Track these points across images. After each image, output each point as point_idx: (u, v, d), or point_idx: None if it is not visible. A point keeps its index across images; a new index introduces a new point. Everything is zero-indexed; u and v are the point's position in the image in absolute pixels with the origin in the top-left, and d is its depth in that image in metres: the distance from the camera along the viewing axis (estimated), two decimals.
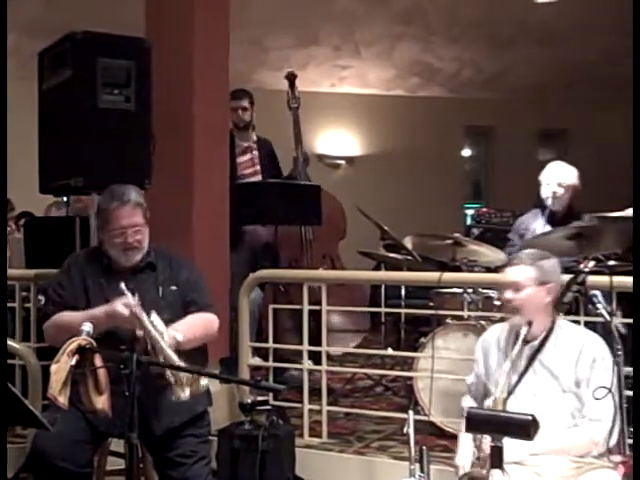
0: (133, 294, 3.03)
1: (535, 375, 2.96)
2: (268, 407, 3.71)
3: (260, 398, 3.72)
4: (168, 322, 3.06)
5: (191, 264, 3.45)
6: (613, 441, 2.86)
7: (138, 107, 3.92)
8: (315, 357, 4.42)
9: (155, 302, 3.14)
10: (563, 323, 3.06)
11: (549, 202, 5.02)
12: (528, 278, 2.97)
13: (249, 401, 3.62)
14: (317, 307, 4.36)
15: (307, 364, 4.35)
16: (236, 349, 4.40)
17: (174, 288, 3.26)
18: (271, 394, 3.95)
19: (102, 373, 2.77)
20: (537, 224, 5.10)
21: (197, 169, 4.43)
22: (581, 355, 2.91)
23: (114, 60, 3.85)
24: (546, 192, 5.02)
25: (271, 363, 4.39)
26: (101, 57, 3.80)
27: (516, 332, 3.00)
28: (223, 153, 4.67)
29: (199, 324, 3.23)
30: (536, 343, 2.98)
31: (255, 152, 5.58)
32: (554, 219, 4.97)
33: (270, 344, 4.43)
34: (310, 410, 4.26)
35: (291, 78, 5.42)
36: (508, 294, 3.01)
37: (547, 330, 2.99)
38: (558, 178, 5.04)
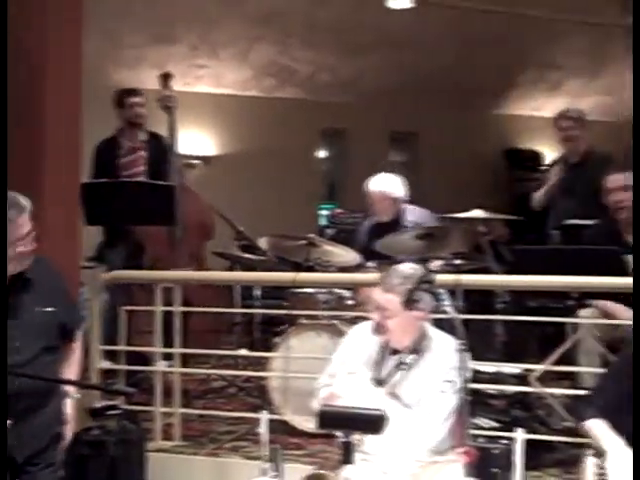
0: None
1: (404, 382, 3.02)
2: (118, 411, 3.60)
3: (110, 402, 3.61)
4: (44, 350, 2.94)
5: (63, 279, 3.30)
6: (443, 435, 2.95)
7: None
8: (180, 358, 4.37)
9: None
10: (431, 331, 3.14)
11: (375, 213, 5.22)
12: (396, 306, 3.00)
13: (98, 406, 3.51)
14: (170, 308, 4.29)
15: (160, 366, 4.28)
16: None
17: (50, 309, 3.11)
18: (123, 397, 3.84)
19: None
20: (366, 225, 5.29)
21: (48, 163, 4.27)
22: (445, 359, 3.00)
23: None
24: (372, 203, 5.21)
25: (123, 366, 4.29)
26: None
27: (385, 342, 3.06)
28: (74, 147, 4.51)
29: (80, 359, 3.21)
30: (405, 353, 3.05)
31: (143, 152, 5.44)
32: (379, 229, 5.11)
33: (122, 347, 4.33)
34: (164, 413, 4.18)
35: (166, 78, 5.33)
36: (378, 316, 3.04)
37: (416, 339, 3.06)
38: (382, 190, 5.22)
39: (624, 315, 4.18)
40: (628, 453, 2.77)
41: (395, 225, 5.18)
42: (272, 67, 9.32)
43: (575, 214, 5.39)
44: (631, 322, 4.11)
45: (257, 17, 8.52)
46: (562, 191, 5.78)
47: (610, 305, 4.22)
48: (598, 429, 2.87)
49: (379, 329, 3.04)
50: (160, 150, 5.31)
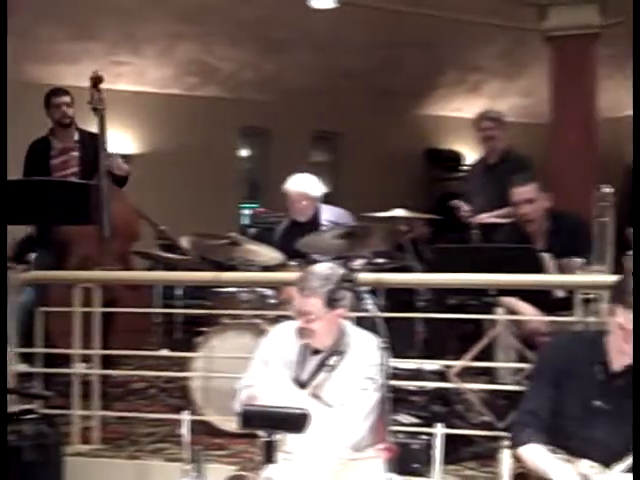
0: None
1: (326, 382, 3.03)
2: (35, 415, 3.52)
3: (26, 406, 3.53)
4: None
5: None
6: (364, 432, 2.98)
7: None
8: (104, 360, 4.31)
9: None
10: (350, 328, 3.15)
11: (292, 213, 5.23)
12: (320, 308, 2.99)
13: (13, 410, 3.42)
14: (88, 309, 4.22)
15: (78, 368, 4.20)
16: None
17: None
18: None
19: None
20: (283, 225, 5.30)
21: None
22: (366, 357, 3.01)
23: None
24: (290, 204, 5.23)
25: (39, 369, 4.19)
26: None
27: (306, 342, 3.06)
28: None
29: None
30: (326, 353, 3.05)
31: (75, 153, 5.32)
32: (296, 229, 5.14)
33: (39, 349, 4.22)
34: (83, 416, 4.10)
35: (97, 80, 5.25)
36: (301, 322, 3.03)
37: (336, 339, 3.07)
38: (300, 190, 5.24)
39: (528, 312, 4.30)
40: (569, 472, 2.78)
41: (311, 225, 5.20)
42: (194, 65, 9.23)
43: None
44: (540, 318, 4.26)
45: (179, 14, 8.43)
46: (479, 190, 5.91)
47: (514, 302, 4.32)
48: (536, 456, 2.85)
49: (304, 333, 3.03)
50: (94, 150, 5.24)
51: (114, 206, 5.00)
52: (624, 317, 2.78)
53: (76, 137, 5.36)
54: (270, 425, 2.63)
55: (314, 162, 10.18)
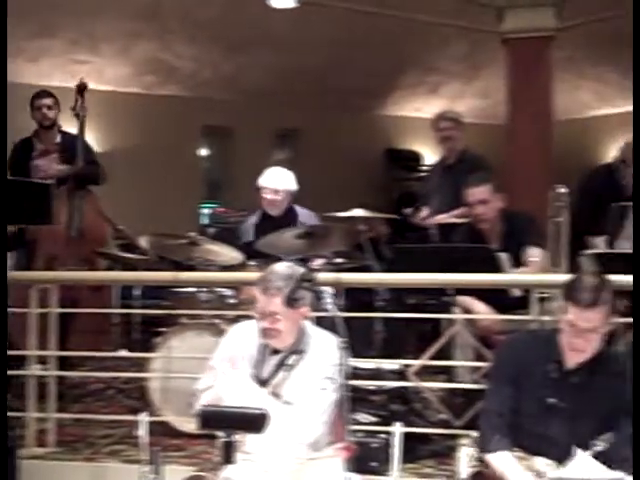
0: None
1: (286, 382, 3.03)
2: None
3: None
4: None
5: None
6: (323, 432, 2.99)
7: None
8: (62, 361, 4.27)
9: None
10: (309, 328, 3.15)
11: (267, 207, 5.23)
12: (284, 308, 2.98)
13: None
14: (45, 310, 4.17)
15: (34, 369, 4.15)
16: None
17: None
18: None
19: None
20: (252, 222, 5.30)
21: None
22: (326, 357, 3.02)
23: None
24: (264, 198, 5.22)
25: None
26: None
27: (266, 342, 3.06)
28: None
29: None
30: (286, 352, 3.05)
31: (56, 154, 5.35)
32: (269, 224, 5.14)
33: None
34: (38, 418, 4.05)
35: (82, 87, 5.29)
36: (265, 323, 3.03)
37: (296, 338, 3.07)
38: (275, 184, 5.24)
39: (481, 310, 4.35)
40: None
41: (285, 219, 5.20)
42: (153, 63, 9.17)
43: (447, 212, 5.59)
44: (496, 317, 4.31)
45: (138, 12, 8.36)
46: (438, 190, 5.98)
47: (470, 301, 4.37)
48: (503, 464, 2.87)
49: (269, 334, 3.02)
50: (75, 152, 5.28)
51: (85, 208, 5.03)
52: (574, 314, 2.82)
53: (58, 139, 5.41)
54: (229, 425, 2.63)
55: (275, 161, 10.16)
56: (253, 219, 5.35)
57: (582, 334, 2.82)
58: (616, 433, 2.85)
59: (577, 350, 2.86)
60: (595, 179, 5.80)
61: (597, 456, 2.82)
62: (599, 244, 5.07)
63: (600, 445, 2.83)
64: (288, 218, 5.20)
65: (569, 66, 8.98)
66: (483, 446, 2.95)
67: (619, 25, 7.98)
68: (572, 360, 2.92)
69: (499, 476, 2.86)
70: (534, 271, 4.30)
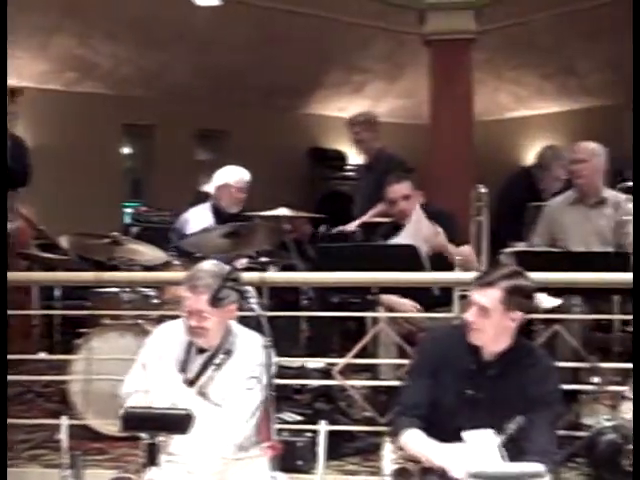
0: None
1: (212, 382, 3.01)
2: None
3: None
4: None
5: None
6: (249, 432, 2.99)
7: None
8: None
9: None
10: (235, 327, 3.14)
11: (231, 204, 5.22)
12: (208, 307, 2.96)
13: None
14: None
15: None
16: None
17: None
18: None
19: None
20: (205, 221, 5.26)
21: None
22: (251, 356, 3.01)
23: None
24: (231, 195, 5.22)
25: None
26: None
27: (191, 341, 3.04)
28: None
29: None
30: (212, 352, 3.03)
31: None
32: (225, 219, 5.14)
33: None
34: None
35: (15, 93, 5.16)
36: (193, 321, 3.00)
37: (222, 337, 3.05)
38: (244, 181, 5.25)
39: (405, 308, 4.41)
40: (447, 451, 2.85)
41: (241, 216, 5.22)
42: (72, 60, 8.99)
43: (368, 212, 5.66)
44: (419, 315, 4.38)
45: (57, 7, 8.19)
46: (360, 191, 6.07)
47: (394, 299, 4.43)
48: (415, 441, 2.90)
49: (197, 333, 3.00)
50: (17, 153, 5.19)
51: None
52: (470, 292, 2.93)
53: None
54: (153, 427, 2.60)
55: (198, 160, 10.09)
56: (205, 218, 5.29)
57: (473, 311, 2.92)
58: (530, 424, 2.93)
59: (473, 329, 2.95)
60: (514, 183, 5.95)
61: (509, 441, 2.88)
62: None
63: (511, 429, 2.89)
64: (244, 214, 5.22)
65: (489, 68, 9.17)
66: (394, 429, 2.99)
67: (536, 29, 8.20)
68: (489, 352, 2.99)
69: (414, 455, 2.89)
70: (467, 268, 4.38)
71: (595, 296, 4.29)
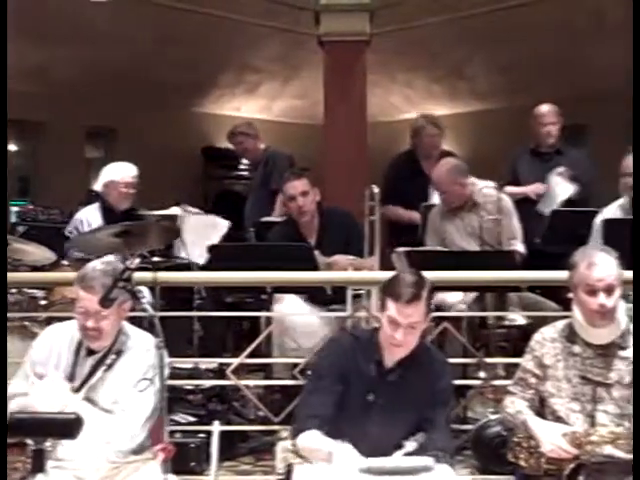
0: None
1: (102, 384, 2.94)
2: None
3: None
4: None
5: None
6: (144, 434, 2.95)
7: None
8: None
9: None
10: (127, 328, 3.07)
11: (120, 202, 5.14)
12: (106, 308, 2.90)
13: None
14: None
15: None
16: None
17: None
18: None
19: None
20: (95, 220, 5.16)
21: None
22: (143, 357, 2.96)
23: None
24: (120, 192, 5.13)
25: None
26: None
27: (79, 343, 2.96)
28: None
29: None
30: (103, 353, 2.96)
31: None
32: (116, 217, 5.05)
33: None
34: None
35: None
36: (90, 322, 2.91)
37: (114, 338, 2.99)
38: (133, 177, 5.17)
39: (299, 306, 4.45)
40: (346, 450, 2.88)
41: (130, 212, 5.19)
42: None
43: (262, 212, 5.68)
44: (311, 314, 4.42)
45: None
46: (251, 190, 6.12)
47: (288, 298, 4.45)
48: (314, 441, 2.91)
49: (92, 334, 2.93)
50: None
51: None
52: (395, 310, 2.94)
53: None
54: (39, 432, 2.53)
55: (88, 158, 9.86)
56: (93, 217, 5.18)
57: (401, 330, 2.93)
58: (430, 425, 2.99)
59: (396, 346, 2.97)
60: (397, 166, 6.03)
61: (410, 454, 2.94)
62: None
63: (412, 445, 2.95)
64: (131, 212, 5.16)
65: (382, 70, 9.31)
66: (295, 430, 3.00)
67: (428, 33, 8.38)
68: (390, 358, 3.03)
69: (312, 452, 2.90)
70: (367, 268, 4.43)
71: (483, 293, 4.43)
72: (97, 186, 5.37)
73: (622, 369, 2.97)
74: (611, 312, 2.95)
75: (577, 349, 3.02)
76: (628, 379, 2.96)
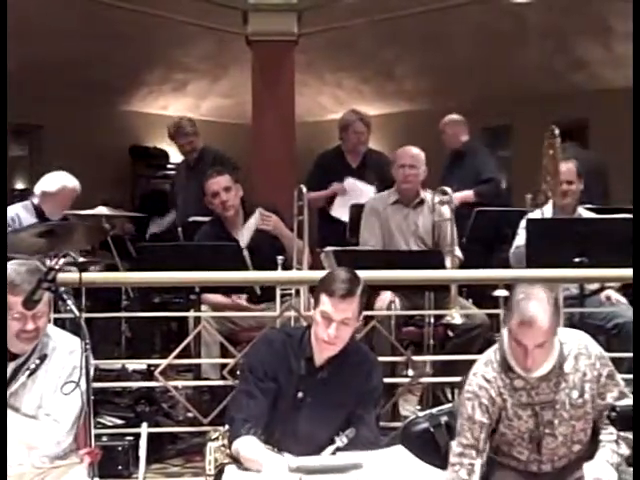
0: None
1: (24, 389, 2.87)
2: None
3: None
4: None
5: None
6: (71, 439, 2.90)
7: None
8: None
9: None
10: (50, 330, 3.01)
11: (47, 210, 5.06)
12: (42, 307, 2.85)
13: None
14: None
15: None
16: None
17: None
18: None
19: None
20: (27, 220, 5.07)
21: None
22: (68, 360, 2.90)
23: None
24: (48, 201, 5.05)
25: None
26: None
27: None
28: None
29: None
30: (25, 357, 2.90)
31: None
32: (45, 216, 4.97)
33: None
34: None
35: None
36: (30, 324, 2.84)
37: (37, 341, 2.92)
38: (64, 193, 5.08)
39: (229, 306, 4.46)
40: (278, 461, 2.84)
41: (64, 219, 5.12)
42: None
43: (193, 211, 5.64)
44: (241, 314, 4.41)
45: None
46: (183, 190, 6.06)
47: (212, 297, 4.44)
48: (249, 447, 2.88)
49: (29, 336, 2.86)
50: None
51: None
52: (329, 305, 2.95)
53: None
54: None
55: (12, 157, 9.62)
56: (25, 216, 5.07)
57: (334, 325, 2.95)
58: (360, 422, 3.01)
59: (328, 342, 2.98)
60: (323, 159, 6.08)
61: (340, 450, 2.96)
62: None
63: (342, 440, 2.96)
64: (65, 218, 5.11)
65: (311, 70, 9.34)
66: (231, 434, 2.97)
67: (356, 34, 8.44)
68: (320, 356, 3.04)
69: (247, 461, 2.88)
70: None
71: (412, 292, 4.49)
72: (36, 189, 5.22)
73: (569, 386, 2.86)
74: (543, 358, 2.80)
75: (519, 383, 2.86)
76: (576, 395, 2.86)
